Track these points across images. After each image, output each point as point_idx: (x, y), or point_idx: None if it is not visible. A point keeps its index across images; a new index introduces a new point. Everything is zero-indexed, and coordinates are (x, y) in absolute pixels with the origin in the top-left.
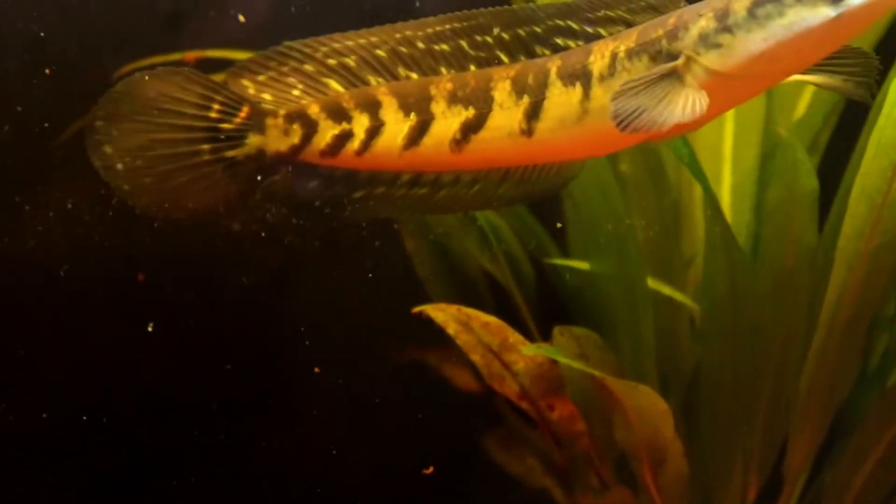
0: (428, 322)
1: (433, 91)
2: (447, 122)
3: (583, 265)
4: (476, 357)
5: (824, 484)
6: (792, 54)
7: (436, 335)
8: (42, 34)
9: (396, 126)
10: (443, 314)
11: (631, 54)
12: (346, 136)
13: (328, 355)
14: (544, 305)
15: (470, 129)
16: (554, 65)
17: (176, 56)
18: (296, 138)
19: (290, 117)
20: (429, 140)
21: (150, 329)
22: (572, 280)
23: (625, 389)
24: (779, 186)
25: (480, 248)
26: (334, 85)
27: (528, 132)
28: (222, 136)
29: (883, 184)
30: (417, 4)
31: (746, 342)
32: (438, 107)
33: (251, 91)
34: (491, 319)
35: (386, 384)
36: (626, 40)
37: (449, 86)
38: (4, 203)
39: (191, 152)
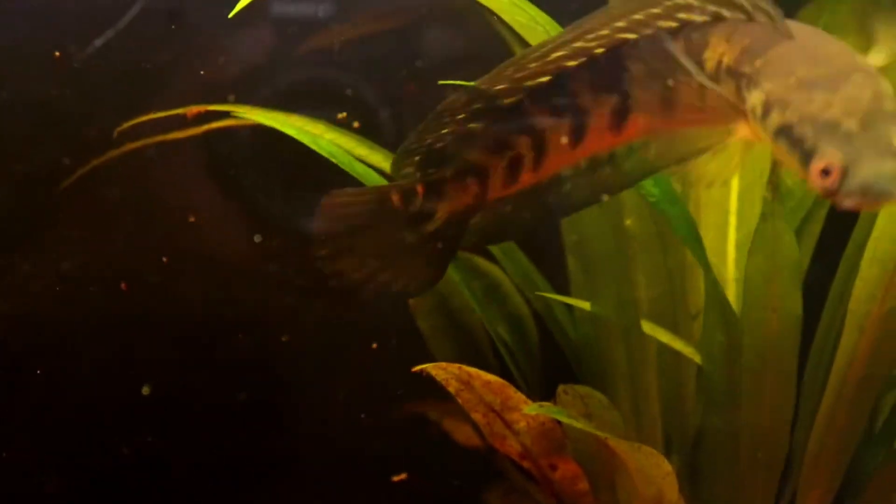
0: (429, 377)
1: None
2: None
3: (584, 304)
4: (477, 416)
5: None
6: None
7: (436, 390)
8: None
9: (556, 133)
10: (444, 373)
11: (728, 72)
12: (517, 161)
13: (330, 410)
14: (549, 364)
15: (619, 113)
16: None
17: (179, 111)
18: (475, 187)
19: (459, 173)
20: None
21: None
22: (577, 336)
23: (628, 450)
24: (760, 255)
25: (482, 306)
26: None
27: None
28: (413, 221)
29: (895, 249)
30: None
31: (739, 405)
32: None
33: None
34: (493, 378)
35: (387, 439)
36: (730, 51)
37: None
38: None
39: (396, 242)
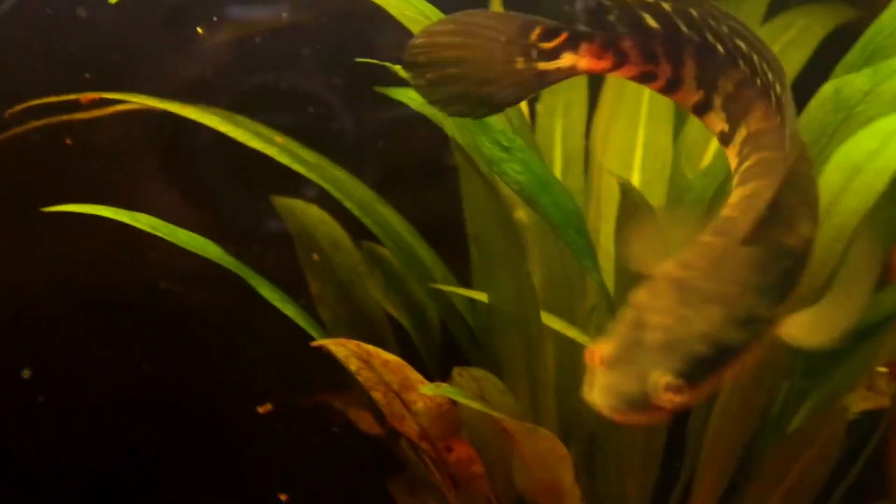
0: (334, 367)
1: (721, 82)
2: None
3: (481, 296)
4: (378, 395)
5: None
6: None
7: (342, 380)
8: None
9: (689, 93)
10: (343, 349)
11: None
12: (649, 76)
13: (235, 399)
14: (449, 353)
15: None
16: None
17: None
18: (607, 64)
19: (605, 45)
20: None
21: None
22: (475, 324)
23: (523, 432)
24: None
25: (385, 293)
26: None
27: None
28: (535, 54)
29: None
30: None
31: None
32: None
33: None
34: (391, 357)
35: (293, 428)
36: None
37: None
38: None
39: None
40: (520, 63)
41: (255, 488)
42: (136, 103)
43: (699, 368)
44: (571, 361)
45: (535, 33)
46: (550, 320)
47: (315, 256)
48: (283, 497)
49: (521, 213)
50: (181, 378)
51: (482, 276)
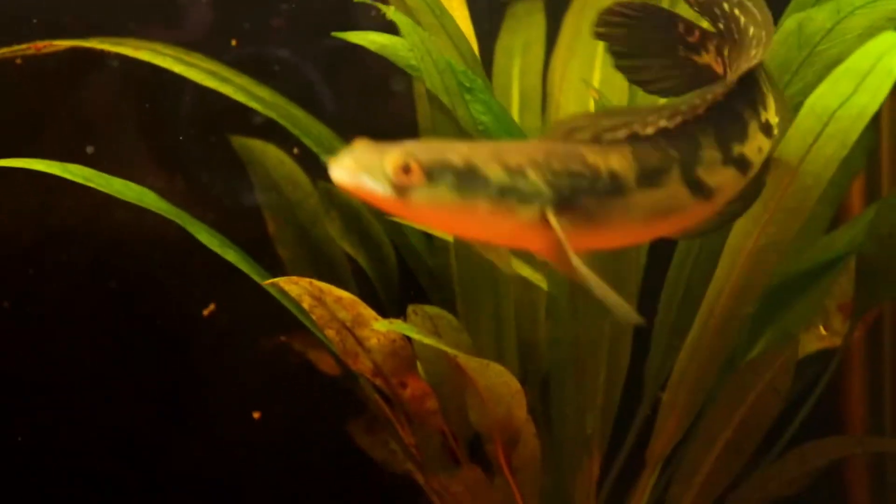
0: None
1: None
2: None
3: (446, 236)
4: (331, 333)
5: (676, 468)
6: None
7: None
8: None
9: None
10: (297, 287)
11: None
12: None
13: (196, 342)
14: (408, 293)
15: None
16: None
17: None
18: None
19: (719, 47)
20: None
21: None
22: (433, 262)
23: (477, 368)
24: None
25: (342, 233)
26: None
27: None
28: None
29: (778, 190)
30: None
31: (586, 321)
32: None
33: None
34: (344, 294)
35: (252, 371)
36: None
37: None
38: None
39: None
40: (682, 52)
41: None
42: (90, 45)
43: (443, 168)
44: (530, 300)
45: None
46: (516, 263)
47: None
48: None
49: None
50: (139, 317)
51: None
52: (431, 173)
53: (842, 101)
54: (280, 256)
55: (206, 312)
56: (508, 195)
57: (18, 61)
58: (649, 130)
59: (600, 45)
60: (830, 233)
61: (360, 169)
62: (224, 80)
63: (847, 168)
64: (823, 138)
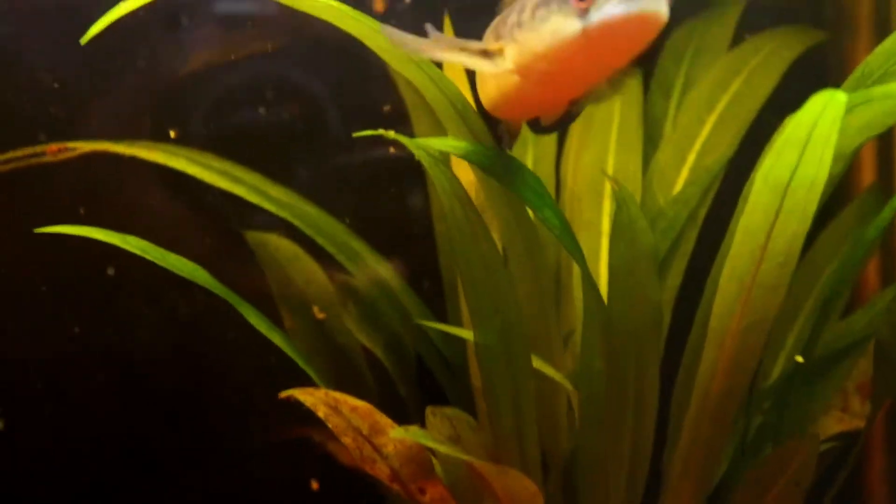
0: None
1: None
2: None
3: (467, 334)
4: (347, 440)
5: None
6: (559, 61)
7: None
8: None
9: None
10: (311, 398)
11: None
12: None
13: (215, 433)
14: (426, 385)
15: None
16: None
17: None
18: None
19: None
20: None
21: None
22: (450, 355)
23: (494, 473)
24: (622, 242)
25: (360, 326)
26: None
27: None
28: None
29: (751, 266)
30: None
31: (607, 411)
32: None
33: None
34: (360, 404)
35: (274, 461)
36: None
37: None
38: None
39: None
40: None
41: None
42: (104, 148)
43: None
44: (550, 394)
45: None
46: (534, 359)
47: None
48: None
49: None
50: (161, 407)
51: (471, 313)
52: None
53: (791, 172)
54: None
55: None
56: None
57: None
58: None
59: (613, 134)
60: (847, 317)
61: None
62: (236, 179)
63: (863, 248)
64: (784, 212)
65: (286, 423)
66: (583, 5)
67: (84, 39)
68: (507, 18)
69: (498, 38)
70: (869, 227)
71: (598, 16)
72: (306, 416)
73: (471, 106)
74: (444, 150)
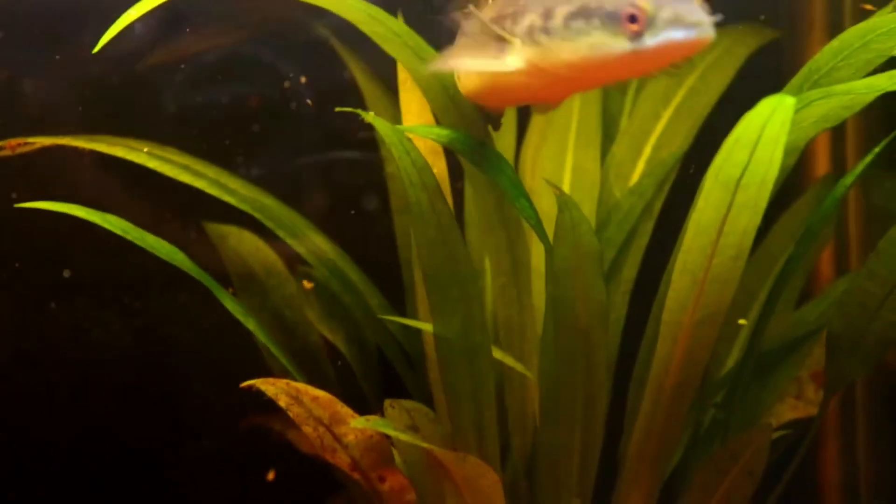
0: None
1: None
2: None
3: (426, 326)
4: (308, 429)
5: None
6: (594, 70)
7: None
8: None
9: None
10: (273, 388)
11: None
12: None
13: (175, 422)
14: (387, 375)
15: None
16: None
17: None
18: None
19: None
20: None
21: None
22: (410, 348)
23: (453, 461)
24: (565, 245)
25: (321, 317)
26: None
27: None
28: None
29: (704, 260)
30: None
31: (559, 407)
32: None
33: None
34: (320, 393)
35: (234, 449)
36: (490, 10)
37: None
38: None
39: None
40: None
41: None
42: (63, 143)
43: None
44: (518, 386)
45: None
46: (497, 353)
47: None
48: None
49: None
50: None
51: (432, 306)
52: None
53: (741, 170)
54: None
55: None
56: None
57: None
58: None
59: (573, 131)
60: (801, 307)
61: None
62: (197, 174)
63: (814, 239)
64: (735, 208)
65: (246, 413)
66: (635, 28)
67: (96, 49)
68: (518, 17)
69: (500, 37)
70: (816, 217)
71: (656, 41)
72: (266, 405)
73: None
74: (429, 137)
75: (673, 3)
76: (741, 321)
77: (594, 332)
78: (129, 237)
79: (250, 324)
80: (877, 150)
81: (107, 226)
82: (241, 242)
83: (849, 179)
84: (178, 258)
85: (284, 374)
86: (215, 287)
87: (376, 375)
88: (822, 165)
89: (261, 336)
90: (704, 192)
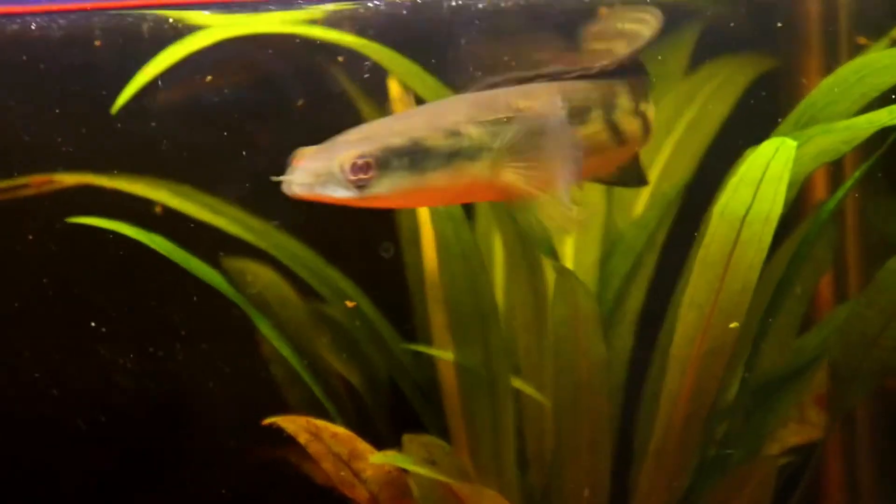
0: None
1: None
2: None
3: (446, 355)
4: (327, 465)
5: None
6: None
7: None
8: None
9: None
10: (293, 425)
11: None
12: None
13: (192, 454)
14: (400, 408)
15: None
16: None
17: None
18: None
19: None
20: None
21: None
22: (421, 379)
23: (470, 494)
24: (564, 307)
25: (332, 350)
26: None
27: None
28: None
29: (711, 295)
30: None
31: (567, 445)
32: None
33: None
34: (340, 430)
35: (251, 480)
36: None
37: None
38: None
39: None
40: None
41: None
42: (86, 181)
43: (392, 154)
44: (529, 416)
45: None
46: (516, 382)
47: None
48: None
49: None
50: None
51: (456, 336)
52: (383, 163)
53: (746, 207)
54: None
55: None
56: (457, 157)
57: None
58: (571, 76)
59: None
60: (802, 335)
61: (318, 181)
62: (218, 211)
63: (814, 267)
64: (741, 244)
65: (262, 444)
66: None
67: (114, 108)
68: None
69: None
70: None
71: None
72: (280, 437)
73: None
74: None
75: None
76: (733, 324)
77: (594, 384)
78: (172, 258)
79: (284, 350)
80: (870, 161)
81: (154, 246)
82: (258, 277)
83: (841, 192)
84: (217, 281)
85: (304, 405)
86: (252, 311)
87: (388, 408)
88: (819, 193)
89: (294, 362)
90: (710, 228)
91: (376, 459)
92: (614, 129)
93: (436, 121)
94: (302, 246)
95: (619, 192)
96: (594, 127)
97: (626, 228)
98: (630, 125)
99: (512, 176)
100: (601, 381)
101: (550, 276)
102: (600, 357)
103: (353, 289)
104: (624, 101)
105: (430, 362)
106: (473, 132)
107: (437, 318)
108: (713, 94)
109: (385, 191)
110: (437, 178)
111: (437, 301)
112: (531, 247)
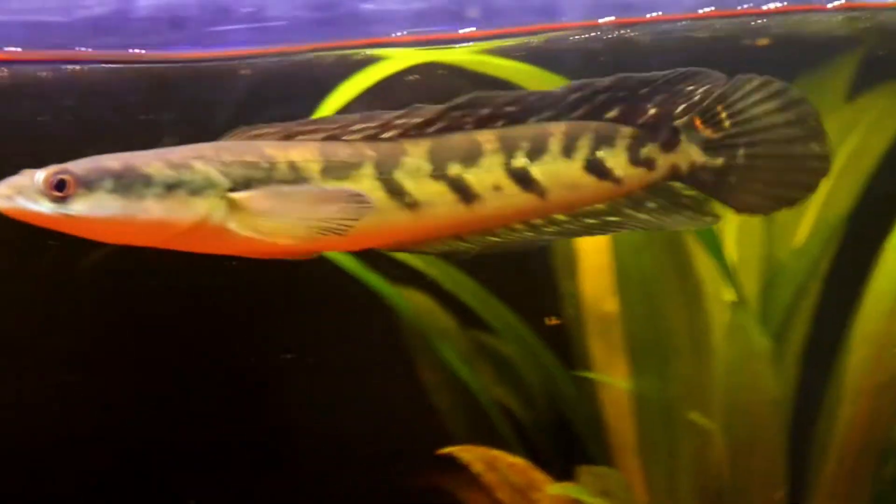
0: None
1: None
2: None
3: (620, 383)
4: (502, 495)
5: None
6: None
7: (451, 460)
8: None
9: None
10: (469, 454)
11: None
12: None
13: (344, 481)
14: (562, 435)
15: None
16: None
17: None
18: None
19: None
20: None
21: None
22: (583, 410)
23: None
24: (736, 343)
25: (494, 380)
26: None
27: None
28: None
29: (883, 326)
30: None
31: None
32: None
33: None
34: (517, 460)
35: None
36: None
37: None
38: None
39: None
40: None
41: None
42: None
43: (98, 174)
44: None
45: None
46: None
47: None
48: None
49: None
50: (293, 446)
51: (636, 364)
52: (88, 182)
53: None
54: None
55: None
56: (177, 189)
57: None
58: (352, 136)
59: None
60: None
61: (14, 193)
62: None
63: None
64: None
65: (418, 472)
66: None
67: None
68: None
69: None
70: None
71: None
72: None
73: None
74: None
75: None
76: None
77: (766, 419)
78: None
79: (464, 371)
80: None
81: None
82: (417, 305)
83: None
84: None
85: (469, 434)
86: (434, 340)
87: (551, 437)
88: None
89: (472, 382)
90: (882, 260)
91: (553, 490)
92: (396, 190)
93: (166, 154)
94: (466, 276)
95: (780, 219)
96: (365, 184)
97: (788, 258)
98: (424, 188)
99: (248, 224)
100: (775, 416)
101: (709, 305)
102: (771, 393)
103: (516, 318)
104: (419, 163)
105: (593, 392)
106: (202, 166)
107: (597, 348)
108: (874, 123)
109: (87, 211)
110: (152, 209)
111: (597, 333)
112: (691, 276)
